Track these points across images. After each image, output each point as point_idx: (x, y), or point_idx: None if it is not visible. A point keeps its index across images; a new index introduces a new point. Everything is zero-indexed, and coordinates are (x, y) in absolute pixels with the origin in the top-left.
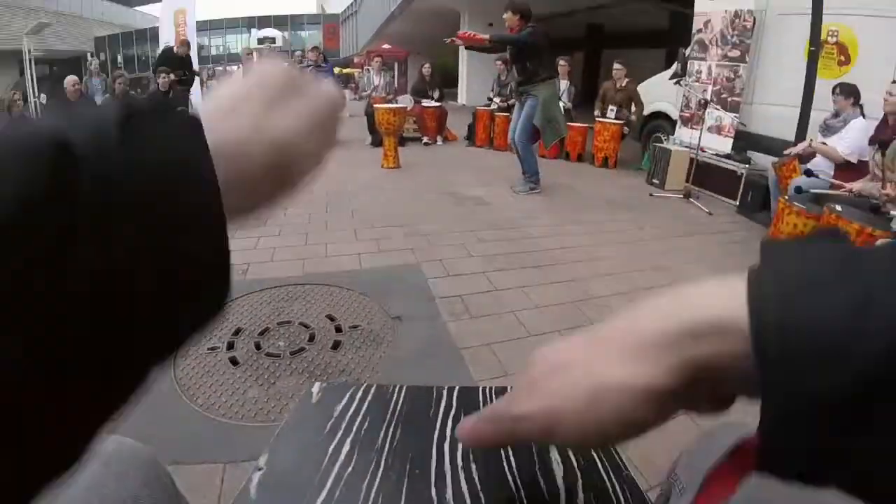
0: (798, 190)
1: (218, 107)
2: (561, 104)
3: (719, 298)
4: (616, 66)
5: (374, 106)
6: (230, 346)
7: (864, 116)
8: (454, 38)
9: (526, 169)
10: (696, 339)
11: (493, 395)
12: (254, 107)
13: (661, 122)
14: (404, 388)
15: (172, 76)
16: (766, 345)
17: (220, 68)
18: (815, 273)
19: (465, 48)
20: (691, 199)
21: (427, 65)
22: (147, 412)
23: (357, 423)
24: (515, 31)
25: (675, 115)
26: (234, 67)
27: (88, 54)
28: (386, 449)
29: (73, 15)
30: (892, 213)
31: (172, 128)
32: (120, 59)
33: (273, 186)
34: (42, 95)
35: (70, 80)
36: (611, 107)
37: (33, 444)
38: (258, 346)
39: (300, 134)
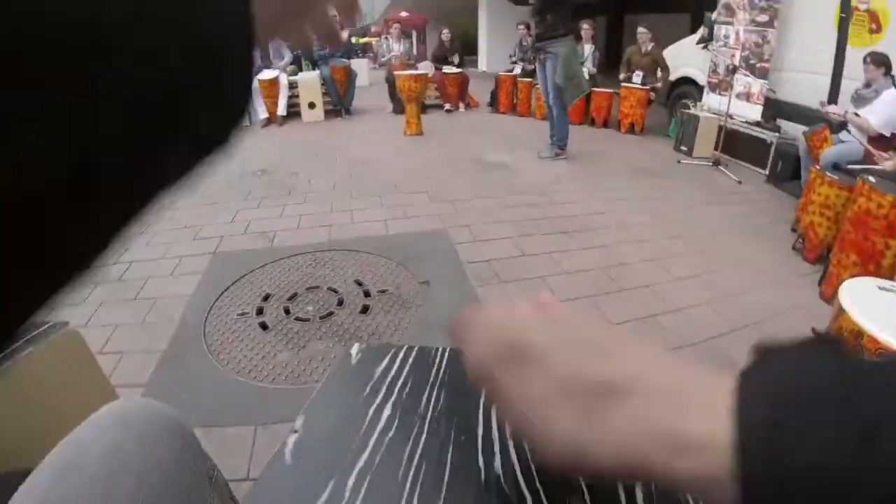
0: (835, 166)
1: None
2: (585, 69)
3: (704, 409)
4: (640, 29)
5: (395, 73)
6: (259, 312)
7: (894, 86)
8: None
9: (556, 133)
10: (674, 455)
11: None
12: None
13: (688, 88)
14: (448, 349)
15: None
16: (752, 482)
17: None
18: (813, 390)
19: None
20: (720, 167)
21: (446, 30)
22: (178, 375)
23: (398, 386)
24: None
25: (702, 80)
26: None
27: None
28: (429, 413)
29: None
30: None
31: None
32: None
33: None
34: None
35: None
36: (636, 72)
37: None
38: (287, 311)
39: None
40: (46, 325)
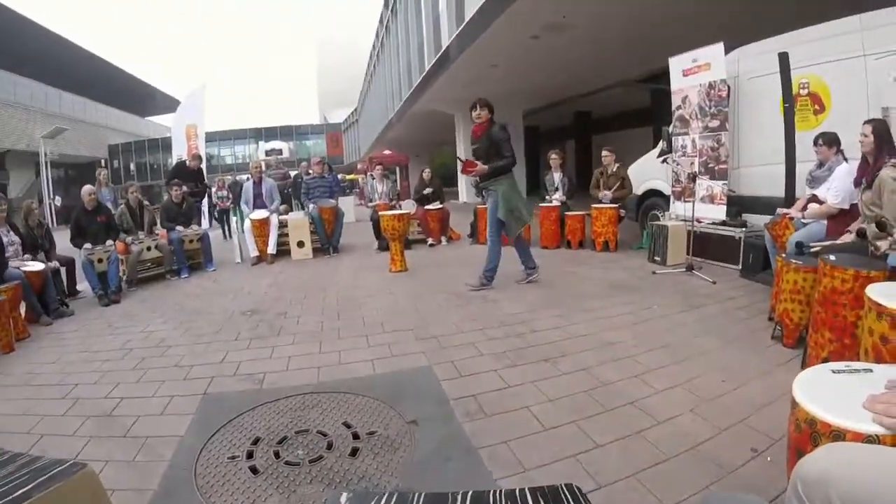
0: (798, 246)
1: None
2: (554, 198)
3: None
4: (604, 153)
5: (379, 213)
6: (249, 455)
7: (846, 161)
8: (465, 168)
9: (488, 263)
10: None
11: (504, 499)
12: None
13: (656, 200)
14: (423, 495)
15: (185, 188)
16: None
17: (230, 178)
18: None
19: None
20: (694, 271)
21: (427, 170)
22: None
23: None
24: (485, 126)
25: (667, 191)
26: (244, 177)
27: (102, 160)
28: None
29: (88, 122)
30: (885, 248)
31: None
32: (132, 166)
33: None
34: (57, 198)
35: (86, 189)
36: (604, 192)
37: None
38: (277, 455)
39: None
40: (65, 465)
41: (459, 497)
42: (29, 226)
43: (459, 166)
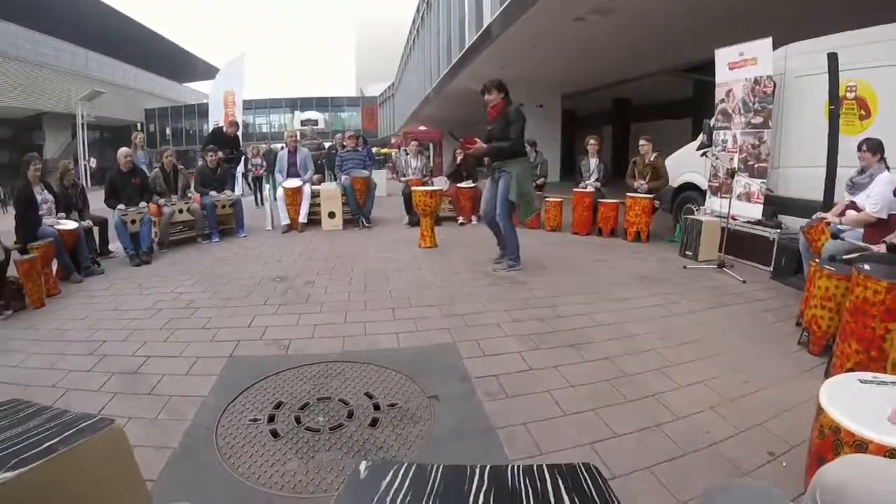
0: (832, 258)
1: None
2: (589, 184)
3: None
4: (641, 141)
5: (412, 188)
6: (271, 419)
7: (888, 169)
8: (461, 143)
9: (507, 246)
10: None
11: (522, 474)
12: None
13: (691, 193)
14: (441, 466)
15: (221, 154)
16: None
17: (265, 146)
18: None
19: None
20: (725, 269)
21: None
22: (187, 474)
23: (399, 500)
24: (500, 108)
25: (704, 185)
26: (279, 146)
27: (138, 124)
28: None
29: (126, 86)
30: None
31: None
32: (168, 131)
33: None
34: (91, 160)
35: (122, 151)
36: (640, 181)
37: None
38: (298, 420)
39: None
40: (93, 420)
41: (478, 470)
42: (64, 185)
43: (456, 143)
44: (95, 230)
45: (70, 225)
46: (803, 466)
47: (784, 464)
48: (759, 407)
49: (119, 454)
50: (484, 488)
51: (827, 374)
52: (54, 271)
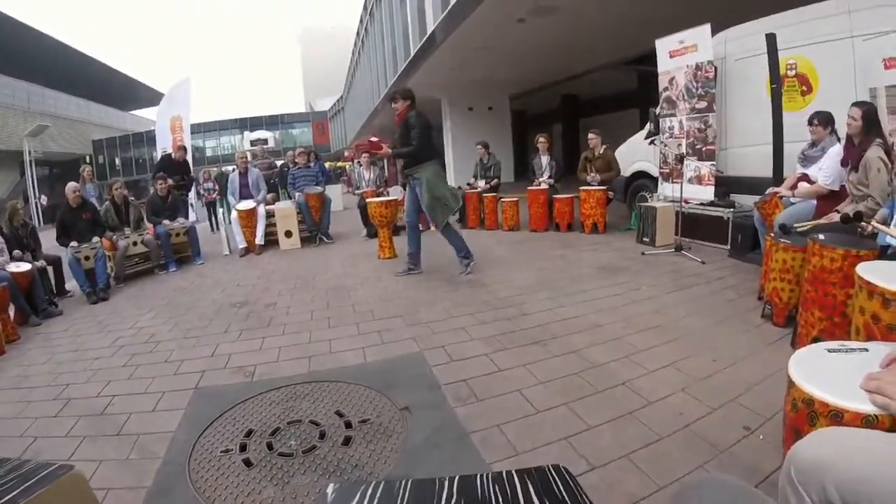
0: (782, 228)
1: None
2: (541, 180)
3: None
4: (590, 135)
5: (367, 200)
6: (243, 448)
7: (839, 140)
8: (370, 146)
9: (456, 248)
10: None
11: (491, 482)
12: None
13: (643, 181)
14: (409, 482)
15: (170, 181)
16: None
17: (216, 169)
18: None
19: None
20: (683, 252)
21: None
22: None
23: None
24: (403, 116)
25: (655, 172)
26: (230, 168)
27: (86, 157)
28: None
29: (71, 118)
30: (869, 227)
31: None
32: (118, 161)
33: None
34: (42, 197)
35: (70, 186)
36: (592, 175)
37: None
38: (270, 447)
39: None
40: (52, 468)
41: (447, 482)
42: (14, 226)
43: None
44: (50, 270)
45: (24, 267)
46: (780, 439)
47: (761, 437)
48: (729, 383)
49: (81, 499)
50: (454, 501)
51: (793, 344)
52: (11, 316)
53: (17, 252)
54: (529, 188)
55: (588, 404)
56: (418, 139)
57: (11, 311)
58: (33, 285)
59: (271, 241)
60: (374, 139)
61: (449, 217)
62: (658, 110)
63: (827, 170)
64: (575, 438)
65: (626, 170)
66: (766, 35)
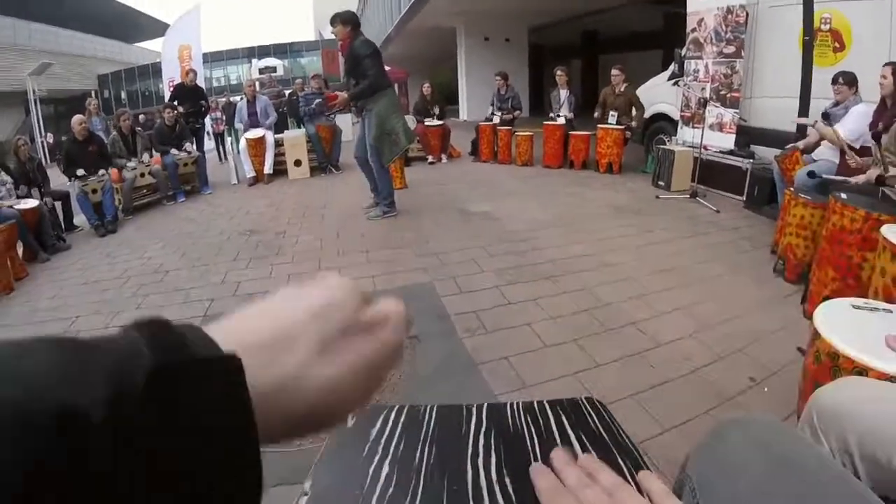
0: (811, 174)
1: (267, 339)
2: (562, 116)
3: None
4: (614, 71)
5: None
6: None
7: (862, 101)
8: (327, 103)
9: (379, 190)
10: None
11: (522, 411)
12: (307, 346)
13: (662, 124)
14: (435, 407)
15: (180, 109)
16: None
17: (223, 99)
18: None
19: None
20: (698, 199)
21: (427, 84)
22: None
23: (394, 445)
24: (347, 42)
25: (675, 116)
26: (237, 98)
27: (92, 92)
28: (423, 468)
29: (75, 54)
30: None
31: (209, 386)
32: (124, 95)
33: (312, 427)
34: (48, 135)
35: (76, 119)
36: (611, 112)
37: None
38: None
39: (351, 381)
40: None
41: (475, 409)
42: (21, 161)
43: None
44: (58, 206)
45: (30, 203)
46: (784, 392)
47: (766, 389)
48: (737, 333)
49: None
50: (483, 429)
51: (803, 301)
52: (20, 254)
53: (23, 187)
54: (546, 122)
55: (597, 342)
56: (372, 69)
57: (20, 249)
58: (41, 222)
59: (280, 170)
60: (329, 94)
61: (397, 156)
62: (683, 51)
63: (849, 125)
64: (583, 374)
65: (646, 111)
66: None
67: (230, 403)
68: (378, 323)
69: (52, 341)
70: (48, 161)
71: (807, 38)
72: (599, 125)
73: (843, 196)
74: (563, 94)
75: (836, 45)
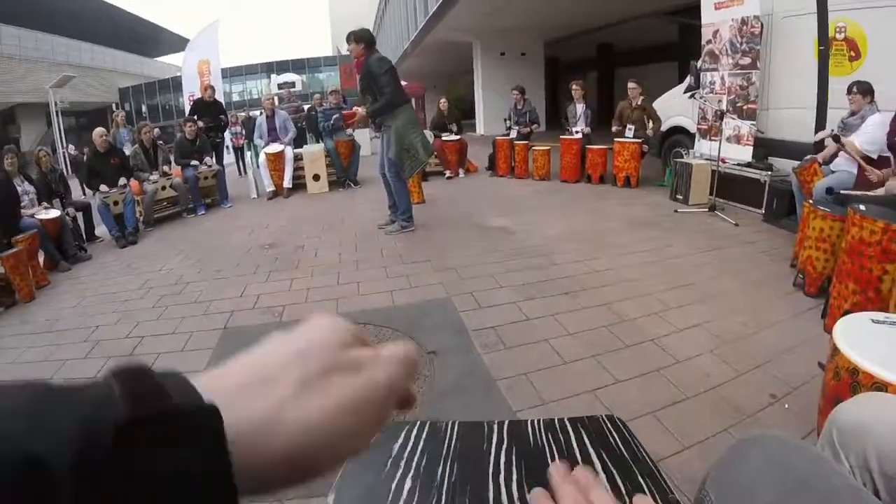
0: (829, 191)
1: (246, 381)
2: (577, 129)
3: None
4: (630, 84)
5: None
6: None
7: (879, 111)
8: (345, 121)
9: (397, 206)
10: None
11: (544, 428)
12: (285, 386)
13: (680, 137)
14: (457, 423)
15: (200, 124)
16: None
17: (242, 113)
18: None
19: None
20: (716, 212)
21: (444, 100)
22: None
23: (416, 460)
24: (362, 60)
25: (692, 128)
26: (257, 113)
27: (114, 105)
28: (445, 484)
29: (96, 67)
30: None
31: (185, 437)
32: (144, 108)
33: (297, 473)
34: (70, 146)
35: (98, 132)
36: (628, 126)
37: None
38: None
39: (336, 422)
40: None
41: (496, 426)
42: (43, 172)
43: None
44: (80, 216)
45: (52, 213)
46: (805, 408)
47: (786, 406)
48: (757, 349)
49: None
50: (504, 446)
51: (824, 316)
52: (41, 262)
53: (45, 204)
54: (563, 137)
55: (616, 358)
56: (388, 85)
57: (41, 258)
58: (62, 231)
59: (299, 184)
60: (347, 112)
61: (417, 170)
62: (700, 63)
63: (867, 135)
64: (602, 392)
65: (663, 124)
66: None
67: (207, 454)
68: (368, 362)
69: (25, 386)
70: (69, 172)
71: (822, 47)
72: (616, 139)
73: (862, 208)
74: (580, 108)
75: (852, 53)
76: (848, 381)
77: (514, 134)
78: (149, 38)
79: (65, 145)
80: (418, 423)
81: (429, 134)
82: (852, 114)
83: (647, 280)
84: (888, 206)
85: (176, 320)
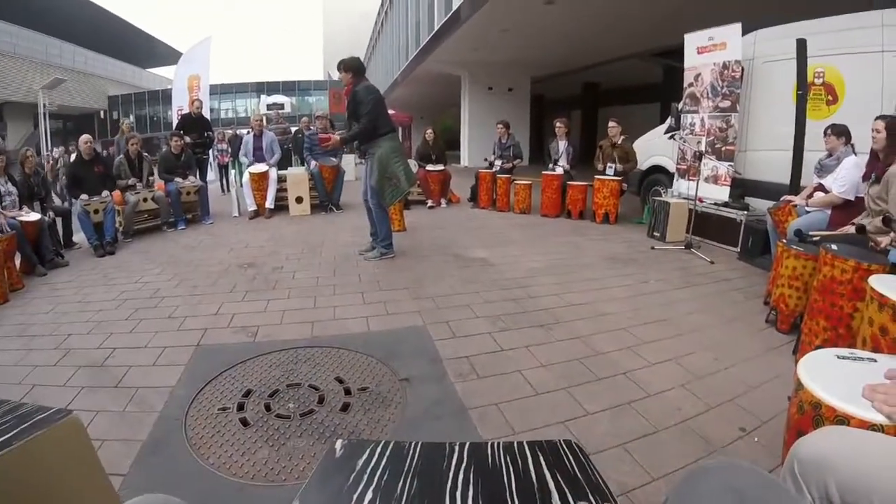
0: (798, 234)
1: None
2: (559, 166)
3: None
4: (611, 124)
5: None
6: (240, 408)
7: (855, 154)
8: (320, 143)
9: (378, 233)
10: None
11: (502, 451)
12: None
13: (659, 176)
14: (420, 443)
15: (187, 139)
16: None
17: (230, 131)
18: None
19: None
20: (692, 250)
21: (430, 130)
22: (158, 467)
23: (377, 476)
24: (351, 88)
25: (672, 168)
26: (244, 131)
27: (101, 112)
28: (404, 498)
29: (88, 73)
30: (885, 244)
31: None
32: (132, 117)
33: None
34: (55, 150)
35: (83, 138)
36: (608, 164)
37: None
38: (268, 408)
39: None
40: (49, 412)
41: (457, 447)
42: (27, 173)
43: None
44: (59, 221)
45: (32, 216)
46: (774, 441)
47: (756, 439)
48: (728, 384)
49: (78, 446)
50: (464, 465)
51: (795, 352)
52: (17, 265)
53: (26, 207)
54: (545, 172)
55: (588, 391)
56: (367, 115)
57: (17, 260)
58: (41, 235)
59: (281, 206)
60: (322, 135)
61: (398, 199)
62: (680, 105)
63: (842, 179)
64: (572, 423)
65: (643, 163)
66: (797, 40)
67: None
68: None
69: None
70: (50, 178)
71: (800, 92)
72: (596, 176)
73: (834, 247)
74: (562, 144)
75: (830, 97)
76: (811, 414)
77: (497, 167)
78: (143, 49)
79: (49, 148)
80: (383, 442)
81: (413, 163)
82: (829, 155)
83: (622, 315)
84: (856, 243)
85: (149, 334)
